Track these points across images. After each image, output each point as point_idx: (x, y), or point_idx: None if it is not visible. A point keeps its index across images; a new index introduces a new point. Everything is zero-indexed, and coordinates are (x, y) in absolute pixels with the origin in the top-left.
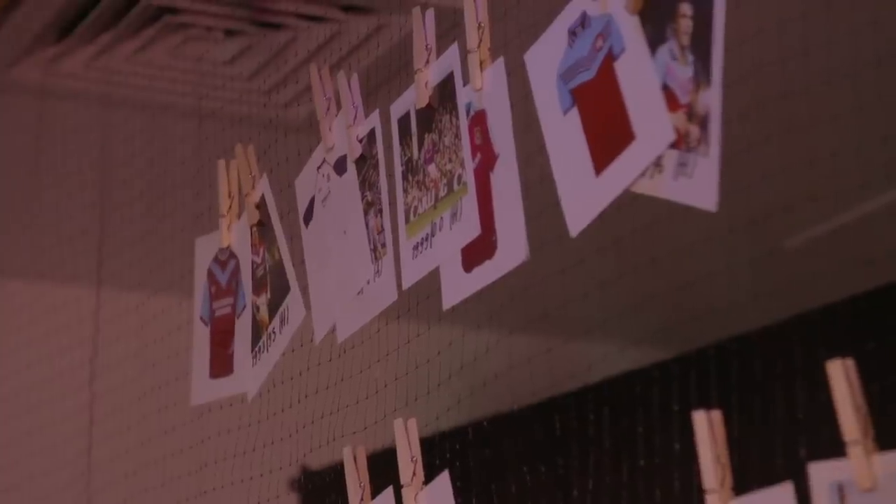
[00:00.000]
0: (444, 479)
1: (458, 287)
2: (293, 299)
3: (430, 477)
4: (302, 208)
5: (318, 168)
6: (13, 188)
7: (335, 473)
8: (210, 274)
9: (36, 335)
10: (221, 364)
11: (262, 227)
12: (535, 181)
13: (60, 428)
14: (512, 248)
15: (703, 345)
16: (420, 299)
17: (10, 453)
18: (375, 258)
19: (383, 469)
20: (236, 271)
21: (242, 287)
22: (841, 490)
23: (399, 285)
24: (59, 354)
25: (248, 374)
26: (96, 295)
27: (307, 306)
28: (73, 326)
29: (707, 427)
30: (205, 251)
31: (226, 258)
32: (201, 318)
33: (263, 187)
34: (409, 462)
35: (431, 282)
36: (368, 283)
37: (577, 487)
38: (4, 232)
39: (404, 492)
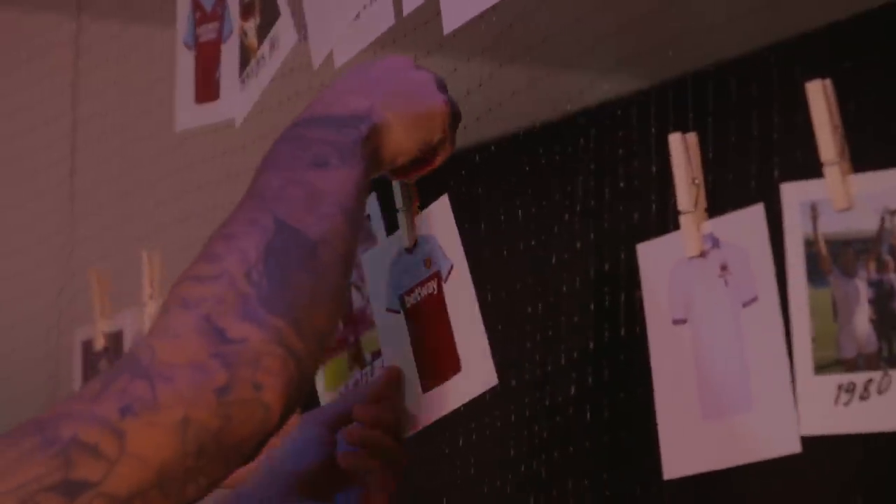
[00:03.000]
0: (443, 202)
1: (459, 10)
2: (283, 24)
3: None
4: None
5: None
6: None
7: None
8: None
9: (15, 61)
10: (207, 89)
11: None
12: None
13: (43, 154)
14: None
15: (681, 72)
16: (409, 29)
17: None
18: None
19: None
20: None
21: (229, 12)
22: (814, 210)
23: (399, 10)
24: (39, 80)
25: (236, 100)
26: (76, 21)
27: (298, 31)
28: (54, 52)
29: (682, 149)
30: None
31: None
32: (185, 44)
33: None
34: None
35: (426, 10)
36: (365, 7)
37: (569, 212)
38: None
39: (400, 217)
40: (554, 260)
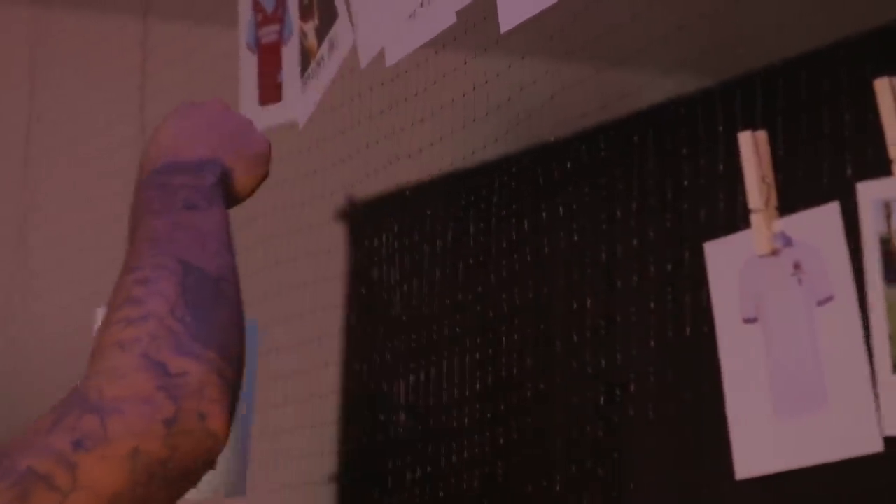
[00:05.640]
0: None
1: (515, 10)
2: (341, 25)
3: (482, 200)
4: None
5: None
6: None
7: (381, 202)
8: (255, 1)
9: (84, 63)
10: (270, 91)
11: None
12: None
13: (112, 156)
14: None
15: (749, 69)
16: (469, 25)
17: (59, 179)
18: None
19: (449, 190)
20: None
21: (289, 14)
22: (888, 207)
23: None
24: (107, 82)
25: (298, 102)
26: (143, 23)
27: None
28: (121, 55)
29: (752, 147)
30: None
31: None
32: (247, 46)
33: None
34: None
35: (482, 6)
36: (422, 5)
37: (622, 209)
38: None
39: None
40: (608, 256)
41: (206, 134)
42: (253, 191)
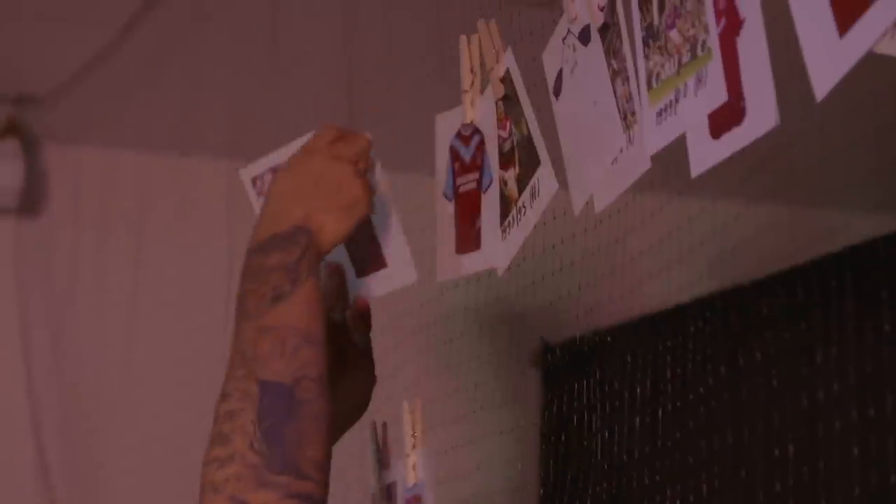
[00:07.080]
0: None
1: (706, 154)
2: (544, 173)
3: (679, 345)
4: (551, 81)
5: (564, 39)
6: (253, 71)
7: (576, 347)
8: (452, 150)
9: None
10: (467, 240)
11: (508, 102)
12: (780, 44)
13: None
14: (762, 114)
15: None
16: (663, 169)
17: None
18: (626, 126)
19: (646, 335)
20: (480, 146)
21: (488, 162)
22: None
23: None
24: None
25: (498, 249)
26: None
27: (558, 180)
28: None
29: None
30: (445, 127)
31: (469, 133)
32: (444, 195)
33: (508, 61)
34: None
35: (675, 150)
36: (622, 151)
37: (821, 353)
38: (247, 116)
39: None
40: (809, 401)
41: (306, 191)
42: (346, 236)
